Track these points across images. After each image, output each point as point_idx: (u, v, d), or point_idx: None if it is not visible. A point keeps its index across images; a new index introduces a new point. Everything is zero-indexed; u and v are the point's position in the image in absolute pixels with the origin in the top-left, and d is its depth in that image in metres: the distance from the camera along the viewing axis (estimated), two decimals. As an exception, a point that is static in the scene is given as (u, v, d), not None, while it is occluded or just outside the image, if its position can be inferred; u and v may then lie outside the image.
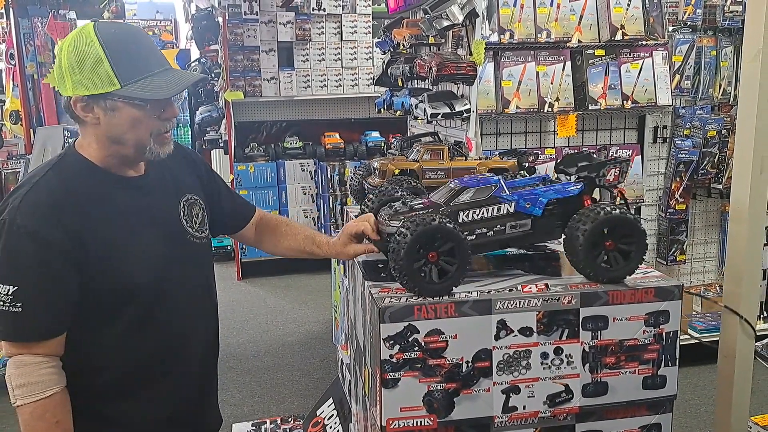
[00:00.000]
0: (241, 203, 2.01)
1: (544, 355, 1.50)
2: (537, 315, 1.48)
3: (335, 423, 2.35)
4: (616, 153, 4.24)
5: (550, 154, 4.15)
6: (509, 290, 1.51)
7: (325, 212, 6.24)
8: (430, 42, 3.65)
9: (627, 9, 4.00)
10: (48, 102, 4.54)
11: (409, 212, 1.60)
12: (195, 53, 8.08)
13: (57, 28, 3.82)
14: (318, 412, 2.53)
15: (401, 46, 4.05)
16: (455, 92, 3.70)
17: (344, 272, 2.39)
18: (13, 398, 1.49)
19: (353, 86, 6.26)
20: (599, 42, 4.06)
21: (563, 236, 1.61)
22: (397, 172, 2.26)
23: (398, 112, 4.17)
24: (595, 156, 1.77)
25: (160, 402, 1.67)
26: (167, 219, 1.69)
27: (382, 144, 6.17)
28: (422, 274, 1.46)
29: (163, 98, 1.55)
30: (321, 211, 6.25)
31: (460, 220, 1.57)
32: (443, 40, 3.79)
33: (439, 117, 3.49)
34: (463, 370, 1.47)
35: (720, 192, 4.43)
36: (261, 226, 2.01)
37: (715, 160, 4.31)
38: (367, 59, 6.25)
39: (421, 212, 1.56)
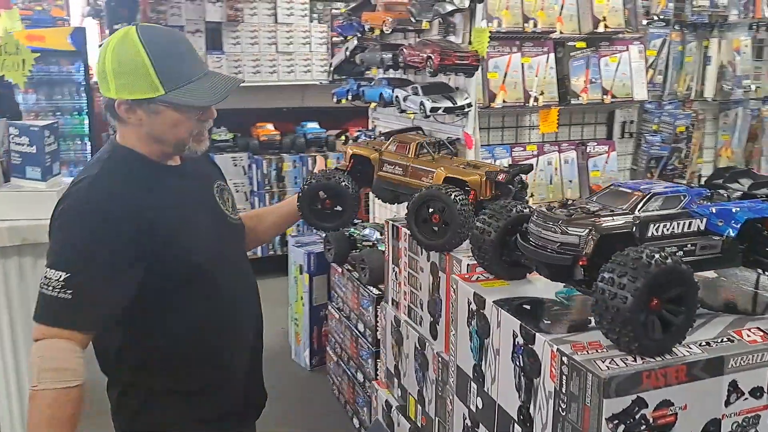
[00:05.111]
0: None
1: (771, 419, 1.23)
2: (769, 371, 1.21)
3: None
4: (593, 149, 4.12)
5: (532, 150, 3.96)
6: (729, 340, 1.23)
7: (260, 212, 5.71)
8: (424, 27, 3.28)
9: (608, 0, 3.87)
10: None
11: (589, 217, 1.28)
12: (92, 32, 7.13)
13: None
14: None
15: (377, 31, 3.64)
16: (449, 84, 3.37)
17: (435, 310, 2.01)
18: (35, 380, 1.45)
19: (289, 73, 5.75)
20: (579, 33, 3.90)
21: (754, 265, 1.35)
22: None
23: (373, 103, 3.78)
24: (753, 170, 1.53)
25: (218, 370, 1.73)
26: (210, 203, 1.79)
27: (335, 136, 5.68)
28: (644, 327, 1.14)
29: (204, 105, 1.63)
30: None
31: (650, 235, 1.28)
32: (429, 27, 3.43)
33: (440, 111, 3.15)
34: (690, 448, 1.17)
35: (682, 187, 4.45)
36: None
37: (683, 155, 4.32)
38: (304, 44, 5.76)
39: (608, 219, 1.28)
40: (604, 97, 3.95)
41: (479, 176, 1.68)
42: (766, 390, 1.22)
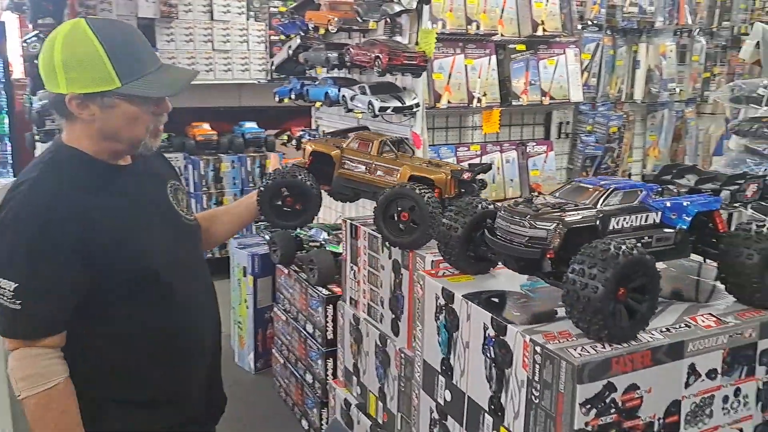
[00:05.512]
0: None
1: (725, 399, 1.32)
2: (723, 354, 1.29)
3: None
4: (533, 149, 4.25)
5: (476, 151, 4.04)
6: (686, 326, 1.30)
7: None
8: (371, 27, 3.29)
9: (546, 4, 4.00)
10: None
11: (555, 211, 1.33)
12: (12, 26, 6.79)
13: None
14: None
15: (321, 30, 3.63)
16: (395, 84, 3.40)
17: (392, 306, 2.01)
18: (17, 391, 1.48)
19: (227, 71, 5.64)
20: (519, 36, 4.02)
21: (709, 256, 1.44)
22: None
23: (318, 103, 3.76)
24: (699, 168, 1.63)
25: (178, 377, 1.69)
26: (163, 203, 1.73)
27: (274, 135, 5.60)
28: (612, 316, 1.19)
29: (165, 96, 1.58)
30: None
31: (611, 228, 1.33)
32: (376, 27, 3.45)
33: (389, 111, 3.17)
34: (655, 430, 1.23)
35: (614, 185, 4.65)
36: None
37: (615, 155, 4.52)
38: (241, 42, 5.66)
39: (573, 213, 1.32)
40: (543, 98, 4.08)
41: (445, 174, 1.71)
42: (719, 371, 1.30)
